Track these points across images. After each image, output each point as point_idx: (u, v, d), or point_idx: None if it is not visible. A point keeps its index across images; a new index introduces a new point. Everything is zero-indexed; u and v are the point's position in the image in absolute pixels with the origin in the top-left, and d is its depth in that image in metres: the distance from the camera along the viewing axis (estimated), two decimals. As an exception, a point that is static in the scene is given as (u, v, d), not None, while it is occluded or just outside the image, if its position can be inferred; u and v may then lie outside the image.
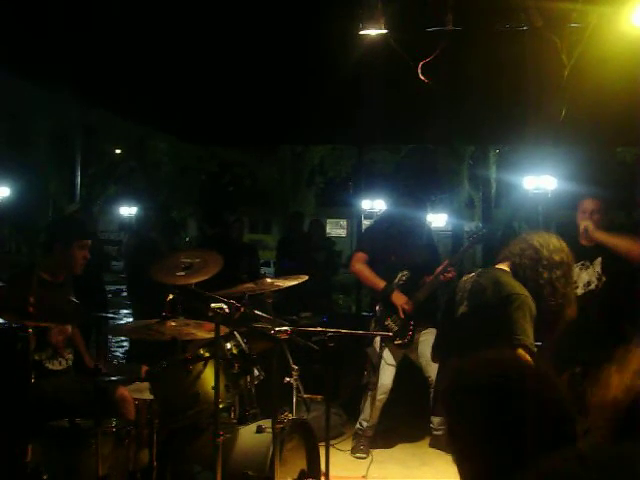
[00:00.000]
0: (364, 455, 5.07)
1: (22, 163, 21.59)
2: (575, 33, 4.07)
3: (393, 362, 5.12)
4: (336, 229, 34.26)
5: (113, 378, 3.75)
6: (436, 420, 5.12)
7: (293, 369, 3.88)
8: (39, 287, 3.27)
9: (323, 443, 3.62)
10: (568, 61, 4.20)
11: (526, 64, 4.63)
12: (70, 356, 4.02)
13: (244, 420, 3.58)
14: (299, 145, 21.31)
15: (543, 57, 4.40)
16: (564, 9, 3.98)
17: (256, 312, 3.67)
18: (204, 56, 5.09)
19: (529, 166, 17.55)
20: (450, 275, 4.92)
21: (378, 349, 5.04)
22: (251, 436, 3.44)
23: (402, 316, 5.05)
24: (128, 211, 27.55)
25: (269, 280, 4.03)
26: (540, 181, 17.86)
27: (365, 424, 5.17)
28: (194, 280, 3.61)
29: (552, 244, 3.34)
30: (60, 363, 3.93)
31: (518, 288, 3.25)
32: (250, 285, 3.93)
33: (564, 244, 3.38)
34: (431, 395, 5.02)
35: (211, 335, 3.24)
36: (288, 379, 3.84)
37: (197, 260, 3.67)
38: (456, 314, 3.46)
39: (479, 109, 5.81)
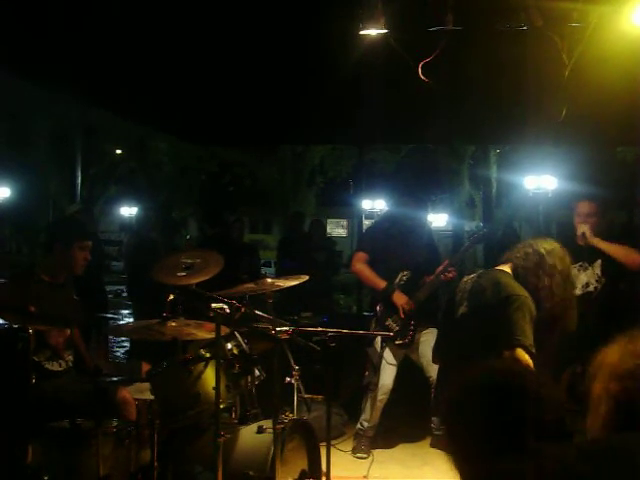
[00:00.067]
0: (365, 455, 5.07)
1: (22, 163, 21.61)
2: (575, 33, 4.07)
3: (394, 362, 5.12)
4: (337, 229, 34.28)
5: (114, 379, 3.74)
6: (437, 420, 5.12)
7: (294, 369, 3.88)
8: (39, 288, 3.26)
9: (324, 443, 3.62)
10: (568, 61, 4.20)
11: (526, 64, 4.64)
12: (70, 357, 3.99)
13: (245, 420, 3.57)
14: (299, 145, 21.31)
15: (543, 57, 4.41)
16: (564, 9, 3.98)
17: (257, 312, 3.67)
18: (204, 56, 5.09)
19: (530, 166, 17.55)
20: (451, 275, 4.92)
21: (379, 349, 5.04)
22: (252, 436, 3.43)
23: (403, 316, 5.04)
24: (129, 211, 27.48)
25: (270, 280, 4.01)
26: (541, 181, 17.85)
27: (366, 424, 5.16)
28: (195, 280, 3.60)
29: (557, 252, 3.36)
30: (60, 364, 3.90)
31: (518, 289, 3.25)
32: (251, 285, 3.92)
33: (567, 253, 3.40)
34: (432, 395, 5.02)
35: (212, 335, 3.23)
36: (289, 379, 3.84)
37: (198, 260, 3.66)
38: (456, 315, 3.46)
39: (479, 109, 5.81)
